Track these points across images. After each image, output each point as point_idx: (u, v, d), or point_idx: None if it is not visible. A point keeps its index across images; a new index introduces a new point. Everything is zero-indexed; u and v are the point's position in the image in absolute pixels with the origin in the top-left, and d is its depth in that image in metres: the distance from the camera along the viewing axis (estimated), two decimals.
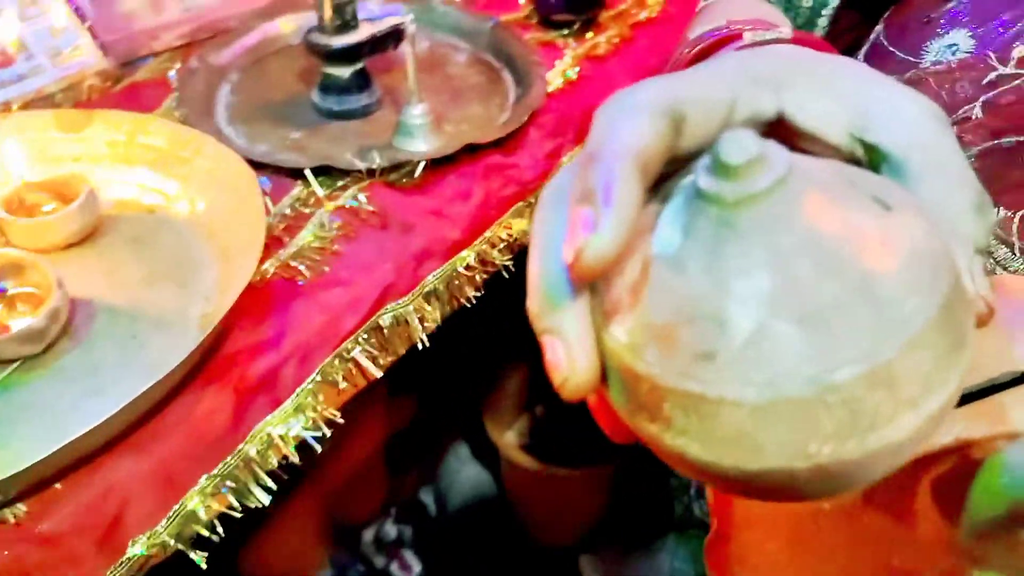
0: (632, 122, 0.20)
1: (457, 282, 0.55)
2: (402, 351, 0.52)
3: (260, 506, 0.44)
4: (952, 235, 0.20)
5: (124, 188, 0.56)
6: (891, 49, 0.46)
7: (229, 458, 0.43)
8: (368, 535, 0.96)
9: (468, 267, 0.55)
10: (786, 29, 0.38)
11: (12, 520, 0.39)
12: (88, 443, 0.39)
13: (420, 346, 0.53)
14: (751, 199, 0.18)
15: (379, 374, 0.50)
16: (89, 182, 0.52)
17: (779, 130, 0.22)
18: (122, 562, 0.39)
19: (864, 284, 0.18)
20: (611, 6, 0.78)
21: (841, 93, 0.22)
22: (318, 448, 0.46)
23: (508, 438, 1.00)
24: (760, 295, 0.18)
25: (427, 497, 1.05)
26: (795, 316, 0.17)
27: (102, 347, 0.46)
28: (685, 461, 0.19)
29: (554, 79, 0.69)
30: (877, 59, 0.46)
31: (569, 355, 0.20)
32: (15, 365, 0.44)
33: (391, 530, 0.97)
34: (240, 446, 0.44)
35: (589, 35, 0.75)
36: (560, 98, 0.68)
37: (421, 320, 0.53)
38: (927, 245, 0.19)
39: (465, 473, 1.06)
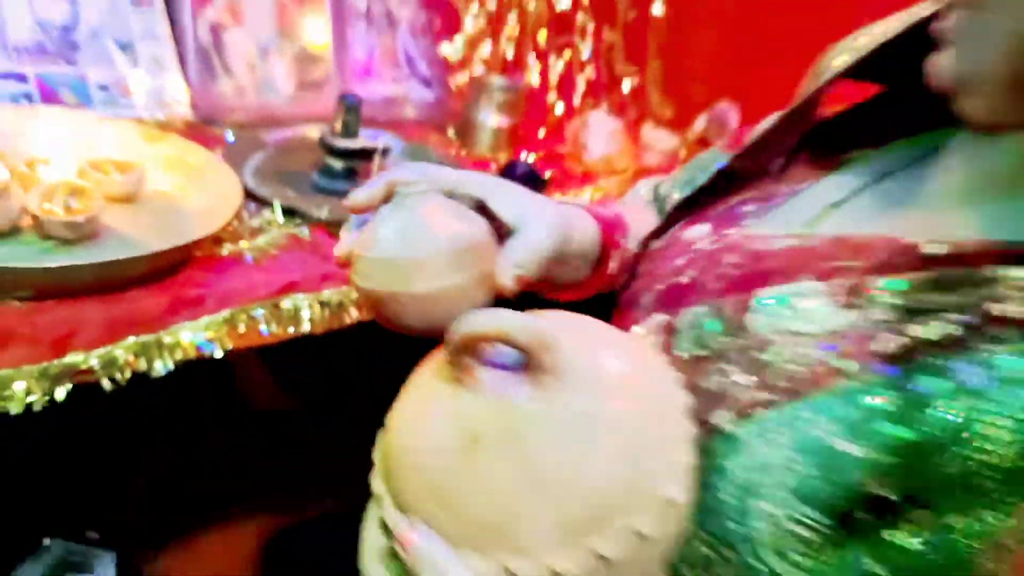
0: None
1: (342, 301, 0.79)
2: (286, 332, 0.75)
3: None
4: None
5: (163, 180, 0.82)
6: None
7: (149, 336, 0.66)
8: None
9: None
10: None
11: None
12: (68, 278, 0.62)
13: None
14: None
15: (266, 336, 0.73)
16: (143, 167, 0.79)
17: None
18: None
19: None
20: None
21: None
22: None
23: None
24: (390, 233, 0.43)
25: None
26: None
27: (106, 244, 0.70)
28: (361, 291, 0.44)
29: None
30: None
31: (340, 246, 0.45)
32: (56, 242, 0.68)
33: None
34: (161, 333, 0.66)
35: None
36: None
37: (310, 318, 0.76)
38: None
39: None
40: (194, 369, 0.68)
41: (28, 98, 0.88)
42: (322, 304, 0.77)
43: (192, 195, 0.81)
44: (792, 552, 0.37)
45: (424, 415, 0.40)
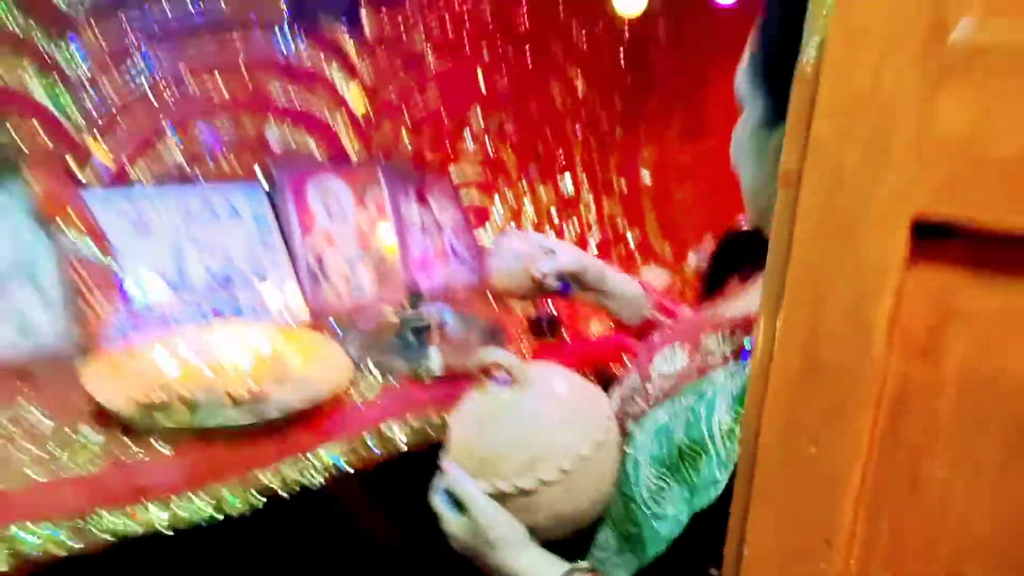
0: None
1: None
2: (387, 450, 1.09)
3: None
4: None
5: (297, 359, 1.20)
6: None
7: (301, 458, 1.00)
8: None
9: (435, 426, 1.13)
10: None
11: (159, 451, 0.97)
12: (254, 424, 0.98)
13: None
14: None
15: (376, 452, 1.06)
16: (284, 355, 1.17)
17: None
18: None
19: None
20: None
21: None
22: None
23: None
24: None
25: None
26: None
27: (272, 404, 1.06)
28: None
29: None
30: None
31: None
32: (246, 406, 1.05)
33: None
34: (310, 454, 1.01)
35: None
36: None
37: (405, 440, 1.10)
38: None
39: None
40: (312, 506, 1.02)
41: (206, 321, 1.30)
42: (412, 429, 1.11)
43: (317, 368, 1.18)
44: (656, 496, 0.69)
45: (461, 408, 0.81)
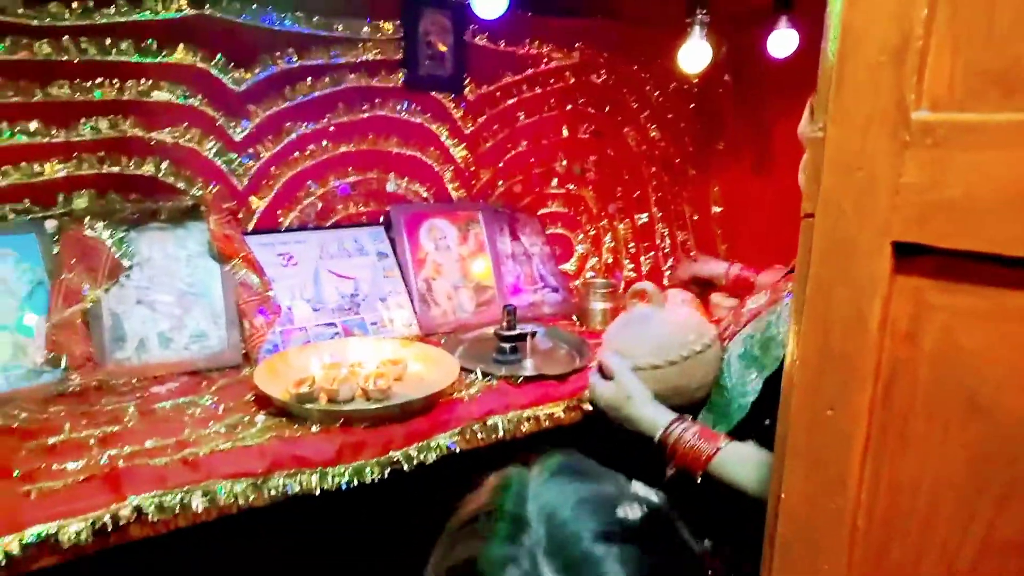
0: None
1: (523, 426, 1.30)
2: (490, 439, 1.27)
3: None
4: None
5: (415, 365, 1.40)
6: None
7: (424, 442, 1.19)
8: None
9: (527, 418, 1.31)
10: None
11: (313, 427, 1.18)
12: (383, 414, 1.18)
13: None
14: None
15: (481, 439, 1.25)
16: (405, 360, 1.37)
17: None
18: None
19: None
20: None
21: None
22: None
23: None
24: None
25: None
26: None
27: (396, 398, 1.26)
28: None
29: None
30: None
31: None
32: (374, 400, 1.25)
33: None
34: (428, 440, 1.20)
35: None
36: None
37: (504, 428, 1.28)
38: None
39: None
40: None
41: (339, 335, 1.53)
42: (508, 420, 1.29)
43: (430, 371, 1.38)
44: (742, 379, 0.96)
45: (616, 320, 1.23)
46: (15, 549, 0.89)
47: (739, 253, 2.13)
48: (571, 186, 2.01)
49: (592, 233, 2.06)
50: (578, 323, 1.75)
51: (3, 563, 0.89)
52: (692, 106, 2.17)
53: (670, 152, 2.14)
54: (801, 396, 0.68)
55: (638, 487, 0.57)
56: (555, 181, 1.98)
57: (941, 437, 0.60)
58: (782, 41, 1.84)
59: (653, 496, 0.56)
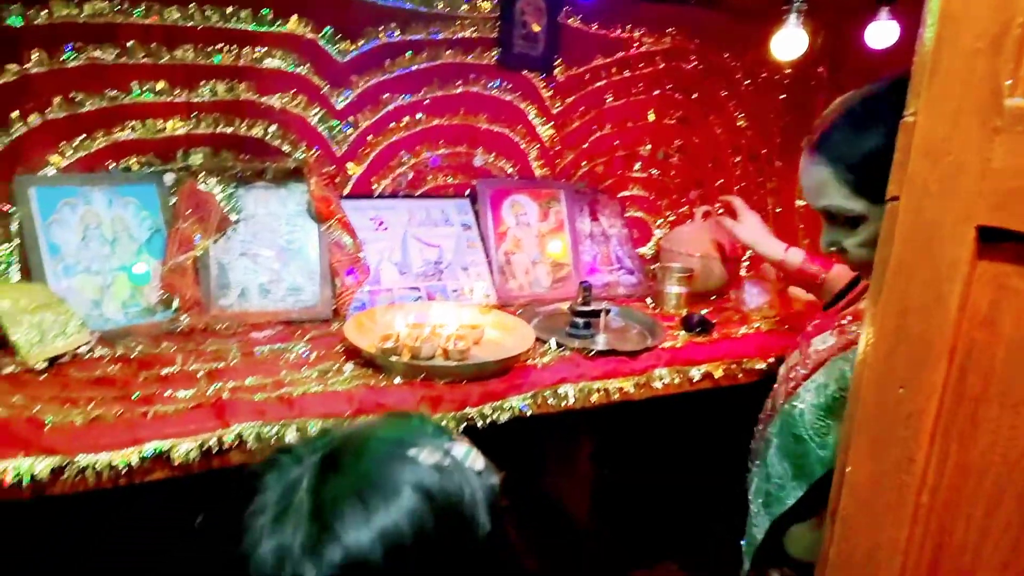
0: None
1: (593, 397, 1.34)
2: (560, 406, 1.31)
3: None
4: None
5: (492, 331, 1.46)
6: None
7: (499, 402, 1.25)
8: None
9: (597, 390, 1.35)
10: None
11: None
12: (462, 373, 1.25)
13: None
14: None
15: (551, 404, 1.30)
16: (483, 326, 1.44)
17: None
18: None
19: None
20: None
21: None
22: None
23: None
24: None
25: None
26: None
27: (474, 360, 1.33)
28: None
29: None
30: None
31: None
32: (454, 360, 1.32)
33: None
34: (502, 401, 1.26)
35: (701, 338, 1.56)
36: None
37: (574, 396, 1.32)
38: None
39: None
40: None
41: (422, 299, 1.60)
42: (578, 390, 1.33)
43: (506, 338, 1.44)
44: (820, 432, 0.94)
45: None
46: (135, 460, 0.99)
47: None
48: (654, 171, 2.02)
49: (671, 219, 2.07)
50: (652, 306, 1.78)
51: (123, 472, 1.00)
52: (783, 97, 2.14)
53: (757, 142, 2.13)
54: (873, 374, 0.70)
55: (460, 449, 0.60)
56: (638, 165, 2.00)
57: (1012, 421, 0.61)
58: (882, 32, 1.80)
59: (471, 461, 0.60)
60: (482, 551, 0.56)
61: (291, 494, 0.54)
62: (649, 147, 1.99)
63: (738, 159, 2.11)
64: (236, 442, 1.06)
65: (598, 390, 1.35)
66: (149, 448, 1.00)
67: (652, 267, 1.93)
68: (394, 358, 1.26)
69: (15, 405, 1.03)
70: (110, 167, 1.41)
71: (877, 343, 0.69)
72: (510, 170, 1.83)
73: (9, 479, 0.92)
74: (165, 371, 1.20)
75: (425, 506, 0.53)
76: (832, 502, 0.77)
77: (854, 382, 0.72)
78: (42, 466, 0.94)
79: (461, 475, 0.58)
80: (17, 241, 1.30)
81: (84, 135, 1.37)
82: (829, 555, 0.76)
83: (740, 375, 1.54)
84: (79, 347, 1.21)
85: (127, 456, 0.99)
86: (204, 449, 1.04)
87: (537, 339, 1.43)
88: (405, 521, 0.51)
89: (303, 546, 0.50)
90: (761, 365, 1.55)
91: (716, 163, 2.09)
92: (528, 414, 1.28)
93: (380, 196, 1.68)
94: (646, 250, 2.02)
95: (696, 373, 1.46)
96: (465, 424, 1.22)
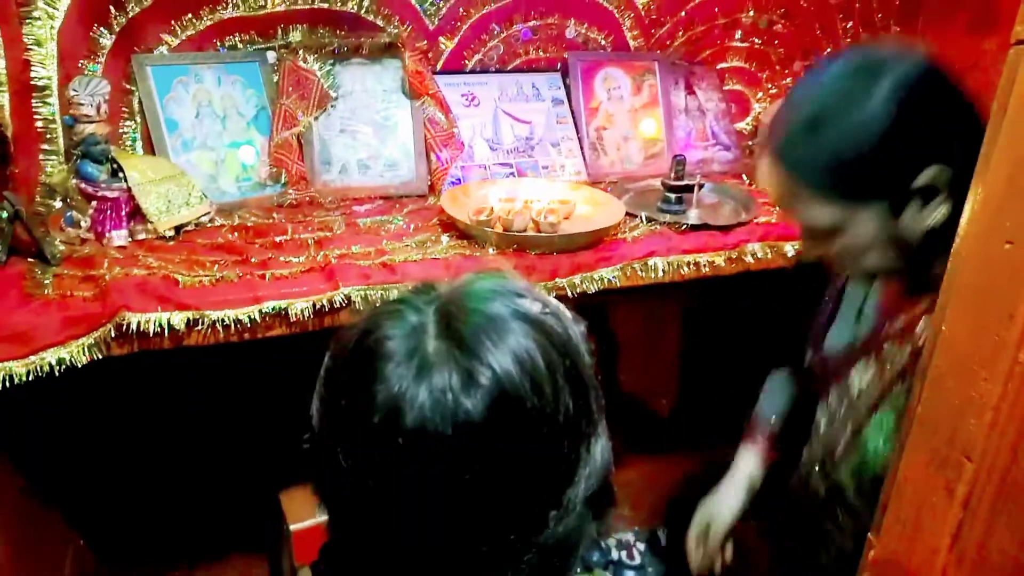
0: None
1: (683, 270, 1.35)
2: (649, 278, 1.33)
3: None
4: None
5: (583, 207, 1.47)
6: None
7: (587, 273, 1.28)
8: None
9: (688, 263, 1.35)
10: None
11: None
12: (553, 244, 1.28)
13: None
14: None
15: (642, 277, 1.32)
16: (573, 202, 1.45)
17: None
18: None
19: None
20: None
21: None
22: None
23: None
24: None
25: None
26: None
27: (565, 231, 1.35)
28: None
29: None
30: None
31: None
32: (545, 232, 1.35)
33: None
34: (591, 273, 1.29)
35: None
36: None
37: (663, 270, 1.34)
38: None
39: None
40: None
41: (513, 175, 1.62)
42: (668, 263, 1.34)
43: (597, 212, 1.45)
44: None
45: None
46: (256, 316, 1.10)
47: None
48: (756, 40, 1.90)
49: (773, 92, 1.96)
50: (748, 182, 1.73)
51: (248, 325, 1.10)
52: None
53: (872, 5, 1.95)
54: (978, 230, 0.68)
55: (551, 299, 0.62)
56: (739, 34, 1.88)
57: None
58: None
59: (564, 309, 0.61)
60: (595, 383, 0.60)
61: (420, 339, 0.55)
62: (752, 13, 1.86)
63: (849, 24, 1.95)
64: (345, 303, 1.14)
65: (688, 264, 1.35)
66: (268, 305, 1.09)
67: (750, 143, 1.86)
68: (488, 229, 1.30)
69: (151, 267, 1.14)
70: (217, 46, 1.46)
71: (986, 200, 0.67)
72: (603, 42, 1.77)
73: (152, 330, 1.04)
74: (278, 239, 1.28)
75: (544, 340, 0.56)
76: (923, 362, 0.77)
77: (959, 240, 0.70)
78: (179, 319, 1.05)
79: (563, 317, 0.62)
80: (140, 119, 1.39)
81: (190, 14, 1.42)
82: (916, 413, 0.77)
83: None
84: (201, 216, 1.31)
85: (250, 312, 1.09)
86: (317, 309, 1.13)
87: (628, 214, 1.44)
88: (533, 349, 0.54)
89: (459, 383, 0.52)
90: None
91: (824, 30, 1.94)
92: (617, 285, 1.30)
93: (471, 71, 1.67)
94: (744, 126, 1.93)
95: (790, 249, 1.43)
96: (555, 294, 1.26)
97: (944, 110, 0.85)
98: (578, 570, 0.66)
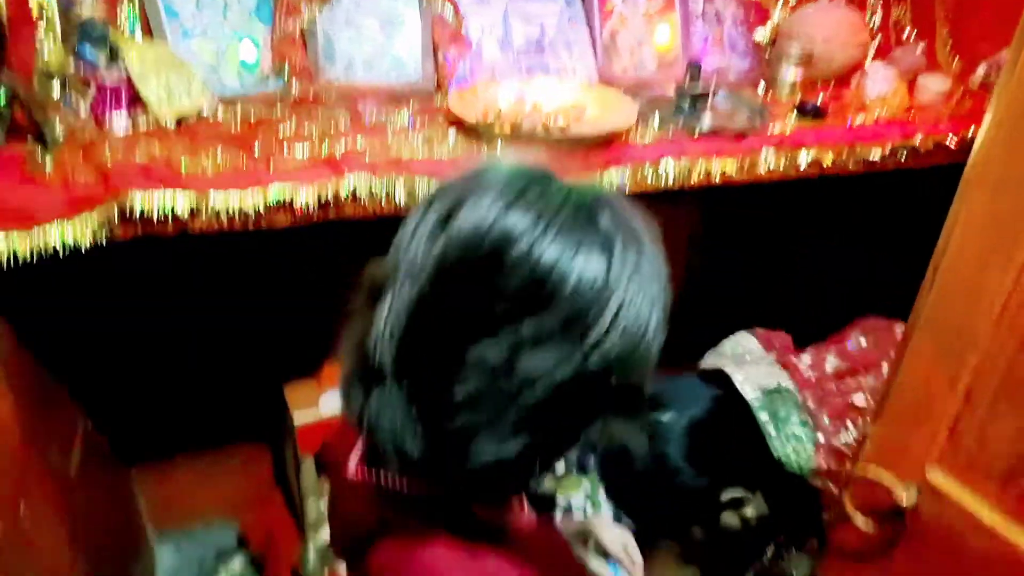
0: None
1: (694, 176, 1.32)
2: (660, 184, 1.31)
3: None
4: None
5: (593, 108, 1.44)
6: None
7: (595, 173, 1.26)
8: None
9: (699, 170, 1.33)
10: None
11: None
12: (562, 144, 1.25)
13: None
14: None
15: (650, 182, 1.30)
16: (584, 103, 1.41)
17: None
18: None
19: None
20: None
21: None
22: None
23: None
24: None
25: None
26: None
27: (574, 132, 1.32)
28: None
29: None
30: None
31: None
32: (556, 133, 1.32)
33: None
34: (599, 173, 1.26)
35: (810, 122, 1.48)
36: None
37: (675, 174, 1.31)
38: None
39: None
40: None
41: (523, 74, 1.57)
42: (679, 167, 1.32)
43: (608, 114, 1.41)
44: None
45: None
46: (260, 205, 1.08)
47: (965, 40, 1.87)
48: None
49: (792, 3, 1.88)
50: (764, 92, 1.68)
51: (252, 216, 1.09)
52: None
53: None
54: (1004, 136, 0.66)
55: None
56: None
57: None
58: None
59: None
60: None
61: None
62: None
63: None
64: (350, 195, 1.12)
65: (700, 171, 1.33)
66: (273, 192, 1.08)
67: (768, 52, 1.80)
68: (496, 130, 1.27)
69: (153, 154, 1.12)
70: None
71: (1001, 125, 0.64)
72: None
73: (156, 213, 1.03)
74: (282, 133, 1.26)
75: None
76: (927, 282, 0.76)
77: (977, 148, 0.68)
78: (182, 201, 1.03)
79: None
80: (137, 3, 1.33)
81: None
82: (926, 303, 0.77)
83: (851, 165, 1.47)
84: (202, 107, 1.27)
85: (255, 199, 1.07)
86: (322, 202, 1.11)
87: (640, 118, 1.40)
88: None
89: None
90: (874, 157, 1.48)
91: None
92: (626, 190, 1.28)
93: None
94: (762, 35, 1.86)
95: (804, 159, 1.41)
96: None
97: None
98: (574, 472, 0.67)
